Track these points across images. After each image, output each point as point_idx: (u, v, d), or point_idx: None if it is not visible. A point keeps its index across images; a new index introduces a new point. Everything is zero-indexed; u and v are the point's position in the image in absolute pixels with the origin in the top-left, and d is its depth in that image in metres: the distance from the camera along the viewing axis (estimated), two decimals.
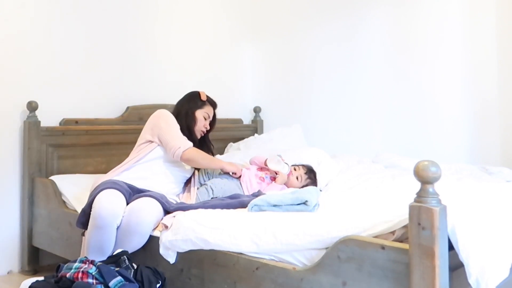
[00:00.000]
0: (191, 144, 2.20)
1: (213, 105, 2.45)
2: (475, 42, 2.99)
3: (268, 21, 3.99)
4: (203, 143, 2.43)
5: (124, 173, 2.16)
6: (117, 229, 1.89)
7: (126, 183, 2.07)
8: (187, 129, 2.31)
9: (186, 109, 2.36)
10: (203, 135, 2.42)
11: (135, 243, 1.87)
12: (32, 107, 2.62)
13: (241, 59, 3.99)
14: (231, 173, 2.31)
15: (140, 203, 1.91)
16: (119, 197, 1.92)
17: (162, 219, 1.90)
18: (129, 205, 1.92)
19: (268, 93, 3.98)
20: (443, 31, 3.10)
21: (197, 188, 2.29)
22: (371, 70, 3.41)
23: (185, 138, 2.21)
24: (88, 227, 1.91)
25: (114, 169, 2.21)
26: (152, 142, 2.22)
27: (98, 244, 1.87)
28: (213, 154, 2.53)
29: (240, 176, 2.32)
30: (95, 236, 1.87)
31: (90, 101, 2.95)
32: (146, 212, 1.87)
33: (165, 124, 2.22)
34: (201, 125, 2.38)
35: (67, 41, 2.86)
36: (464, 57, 3.03)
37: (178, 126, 2.24)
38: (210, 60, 3.72)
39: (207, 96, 2.43)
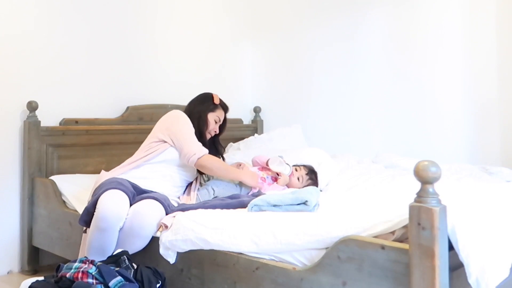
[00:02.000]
0: (206, 151, 2.17)
1: (225, 109, 2.43)
2: (475, 42, 2.99)
3: (268, 21, 3.99)
4: (212, 146, 2.42)
5: (132, 171, 2.15)
6: (119, 230, 1.88)
7: (130, 182, 2.06)
8: (198, 131, 2.29)
9: (199, 111, 2.34)
10: (211, 137, 2.40)
11: (136, 246, 1.86)
12: (32, 107, 2.62)
13: (241, 59, 3.99)
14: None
15: (143, 206, 1.89)
16: (123, 199, 1.90)
17: None
18: (132, 207, 1.90)
19: (268, 93, 3.98)
20: (443, 31, 3.10)
21: (198, 189, 2.29)
22: (371, 70, 3.41)
23: (200, 144, 2.19)
24: (91, 227, 1.89)
25: (122, 166, 2.18)
26: (164, 142, 2.20)
27: (100, 245, 1.86)
28: (222, 157, 2.52)
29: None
30: (97, 237, 1.85)
31: (90, 101, 2.95)
32: (150, 216, 1.85)
33: (181, 127, 2.20)
34: (211, 128, 2.36)
35: (67, 42, 2.86)
36: (464, 57, 3.03)
37: (193, 130, 2.23)
38: (210, 60, 3.72)
39: (220, 99, 2.42)
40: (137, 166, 2.16)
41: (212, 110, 2.36)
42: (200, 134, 2.29)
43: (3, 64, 2.60)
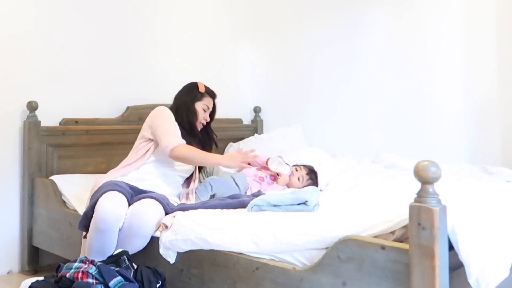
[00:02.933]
0: (181, 141, 2.14)
1: (212, 96, 2.39)
2: (475, 42, 2.99)
3: (268, 21, 3.99)
4: (205, 135, 2.41)
5: (128, 173, 2.14)
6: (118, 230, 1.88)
7: (127, 184, 2.06)
8: (188, 122, 2.29)
9: (185, 102, 2.31)
10: (203, 126, 2.39)
11: (136, 245, 1.86)
12: (32, 107, 2.62)
13: (241, 59, 3.99)
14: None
15: (142, 205, 1.89)
16: (121, 200, 1.90)
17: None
18: (131, 207, 1.90)
19: (268, 93, 3.98)
20: (443, 31, 3.10)
21: (197, 188, 2.29)
22: (371, 70, 3.41)
23: (176, 135, 2.16)
24: (90, 229, 1.89)
25: (117, 169, 2.18)
26: (152, 140, 2.20)
27: (100, 247, 1.85)
28: (216, 144, 2.49)
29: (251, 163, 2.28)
30: (97, 239, 1.85)
31: (90, 101, 2.95)
32: (148, 215, 1.85)
33: (160, 122, 2.19)
34: (200, 118, 2.34)
35: (67, 42, 2.86)
36: (464, 57, 3.03)
37: (172, 123, 2.20)
38: (210, 60, 3.71)
39: (205, 86, 2.38)
40: (131, 168, 2.15)
41: (199, 99, 2.33)
42: (190, 126, 2.29)
43: (3, 64, 2.60)
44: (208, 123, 2.42)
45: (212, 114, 2.41)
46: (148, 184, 2.14)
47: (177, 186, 2.28)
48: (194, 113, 2.31)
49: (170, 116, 2.22)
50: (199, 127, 2.36)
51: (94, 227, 1.86)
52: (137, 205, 1.90)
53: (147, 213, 1.85)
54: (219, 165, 2.23)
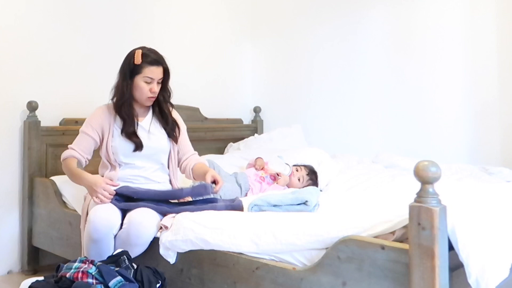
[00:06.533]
0: (69, 153, 2.07)
1: (154, 62, 2.04)
2: (475, 42, 2.99)
3: (268, 21, 3.99)
4: (162, 111, 2.15)
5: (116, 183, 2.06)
6: (116, 237, 1.87)
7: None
8: (129, 104, 2.06)
9: (124, 79, 2.04)
10: (154, 100, 2.11)
11: (135, 252, 1.84)
12: (32, 107, 2.62)
13: (242, 59, 3.99)
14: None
15: (138, 215, 1.85)
16: (112, 208, 1.88)
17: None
18: (127, 216, 1.88)
19: (268, 93, 3.98)
20: (443, 31, 3.10)
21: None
22: (371, 70, 3.41)
23: (74, 144, 2.09)
24: (84, 239, 1.88)
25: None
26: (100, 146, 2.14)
27: (98, 253, 1.84)
28: (174, 121, 2.19)
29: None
30: (93, 247, 1.84)
31: (90, 101, 2.94)
32: (145, 225, 1.82)
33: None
34: (144, 92, 2.05)
35: (67, 42, 2.86)
36: (464, 57, 3.03)
37: (83, 129, 2.09)
38: (210, 60, 3.71)
39: (143, 54, 2.03)
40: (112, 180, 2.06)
41: (138, 72, 2.03)
42: (140, 104, 2.11)
43: (3, 64, 2.60)
44: (164, 98, 2.13)
45: (164, 81, 2.10)
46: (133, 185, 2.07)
47: (159, 173, 2.15)
48: (138, 89, 2.04)
49: (87, 122, 2.12)
50: (149, 102, 2.10)
51: (88, 238, 1.84)
52: (134, 214, 1.86)
53: (144, 223, 1.83)
54: (81, 185, 1.99)
